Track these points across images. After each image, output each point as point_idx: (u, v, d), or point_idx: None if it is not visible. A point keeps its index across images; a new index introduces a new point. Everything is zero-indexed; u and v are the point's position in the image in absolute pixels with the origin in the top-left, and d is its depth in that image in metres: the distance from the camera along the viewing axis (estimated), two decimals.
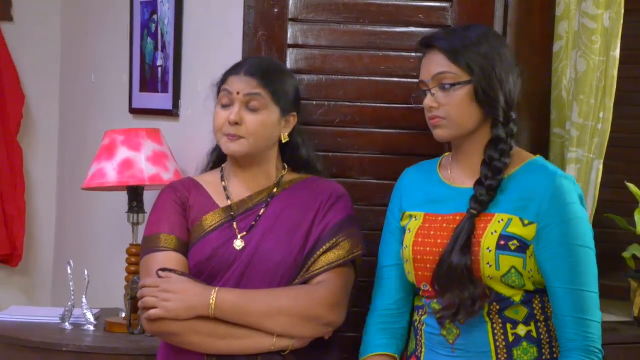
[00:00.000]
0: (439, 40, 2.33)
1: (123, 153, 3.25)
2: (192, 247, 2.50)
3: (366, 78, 2.80)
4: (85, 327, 3.29)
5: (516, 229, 2.25)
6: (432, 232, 2.35)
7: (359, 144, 2.79)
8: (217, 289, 2.40)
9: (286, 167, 2.61)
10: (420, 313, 2.41)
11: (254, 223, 2.50)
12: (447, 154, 2.49)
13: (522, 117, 2.51)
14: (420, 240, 2.35)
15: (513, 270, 2.25)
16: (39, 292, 4.30)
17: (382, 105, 2.80)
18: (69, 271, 3.33)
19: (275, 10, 2.79)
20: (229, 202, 2.54)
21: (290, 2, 2.80)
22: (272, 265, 2.45)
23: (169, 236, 2.49)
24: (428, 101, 2.32)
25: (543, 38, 2.92)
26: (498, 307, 2.27)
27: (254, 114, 2.47)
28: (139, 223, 3.25)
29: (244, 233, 2.50)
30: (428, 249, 2.33)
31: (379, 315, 2.48)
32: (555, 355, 2.30)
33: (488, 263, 2.25)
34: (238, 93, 2.47)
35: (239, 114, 2.47)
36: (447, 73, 2.30)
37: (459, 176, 2.39)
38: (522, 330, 2.28)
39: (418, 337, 2.41)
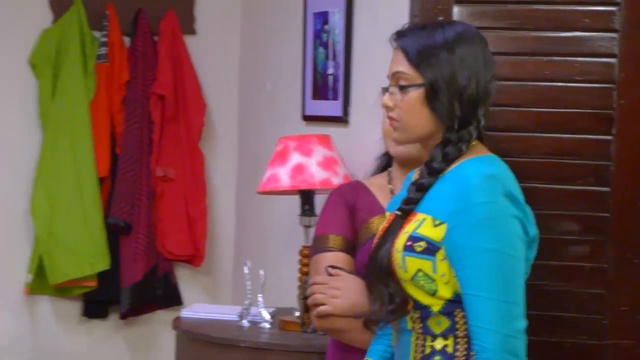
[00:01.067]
0: (403, 38, 2.18)
1: (295, 158, 3.38)
2: (359, 249, 2.56)
3: (530, 83, 2.80)
4: (261, 325, 3.41)
5: (426, 229, 2.08)
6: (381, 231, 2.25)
7: (522, 148, 2.78)
8: None
9: None
10: None
11: None
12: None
13: None
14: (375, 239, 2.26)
15: (420, 274, 2.07)
16: (220, 290, 4.43)
17: (546, 110, 2.79)
18: (246, 271, 3.48)
19: (440, 20, 2.82)
20: None
21: (455, 10, 2.83)
22: None
23: (337, 237, 2.57)
24: (385, 99, 2.19)
25: None
26: (418, 316, 2.10)
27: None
28: (311, 226, 3.34)
29: None
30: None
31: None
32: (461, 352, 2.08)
33: (398, 264, 2.10)
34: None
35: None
36: (403, 73, 2.15)
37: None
38: (439, 343, 2.08)
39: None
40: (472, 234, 2.02)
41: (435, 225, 2.07)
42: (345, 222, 2.59)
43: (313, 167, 3.36)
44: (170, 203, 4.24)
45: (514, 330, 2.00)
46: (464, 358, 2.06)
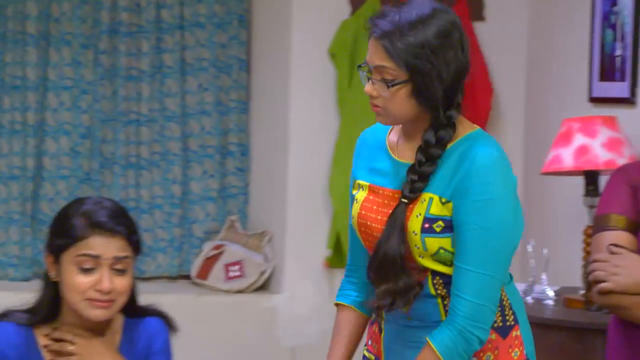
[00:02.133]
0: (377, 29, 2.16)
1: (579, 140, 3.43)
2: None
3: None
4: (545, 302, 3.49)
5: (437, 209, 2.15)
6: (374, 207, 2.24)
7: None
8: None
9: None
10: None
11: None
12: None
13: None
14: (363, 212, 2.25)
15: (442, 250, 2.16)
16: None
17: None
18: (530, 250, 3.58)
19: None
20: None
21: None
22: None
23: (619, 216, 2.58)
24: (368, 88, 2.18)
25: None
26: (442, 281, 2.19)
27: None
28: (595, 206, 3.38)
29: None
30: (368, 222, 2.24)
31: (346, 270, 2.40)
32: (507, 322, 2.23)
33: (415, 245, 2.16)
34: None
35: None
36: (387, 68, 2.15)
37: (404, 150, 2.24)
38: None
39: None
40: (475, 212, 2.10)
41: (443, 204, 2.15)
42: (628, 202, 2.60)
43: (597, 149, 3.40)
44: None
45: (487, 300, 2.13)
46: (499, 306, 2.19)
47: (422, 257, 2.18)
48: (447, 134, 2.16)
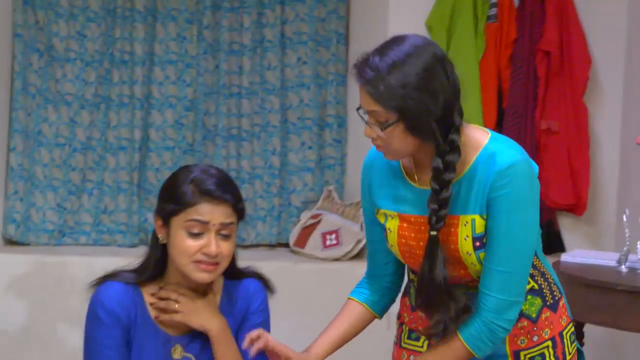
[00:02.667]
0: (359, 77, 2.21)
1: None
2: None
3: None
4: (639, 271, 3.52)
5: (480, 227, 2.26)
6: (412, 234, 2.33)
7: None
8: None
9: None
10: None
11: None
12: None
13: None
14: (403, 241, 2.35)
15: (481, 256, 2.29)
16: (602, 238, 4.49)
17: None
18: (624, 219, 3.59)
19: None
20: None
21: None
22: None
23: None
24: (367, 132, 2.25)
25: None
26: None
27: None
28: None
29: None
30: (412, 250, 2.34)
31: (366, 275, 2.53)
32: (556, 297, 2.39)
33: (472, 263, 2.28)
34: None
35: None
36: (377, 112, 2.20)
37: (422, 177, 2.32)
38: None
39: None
40: (505, 218, 2.22)
41: (484, 219, 2.25)
42: None
43: None
44: (554, 155, 4.35)
45: (511, 295, 2.27)
46: (548, 287, 2.38)
47: (477, 266, 2.31)
48: (454, 158, 2.22)
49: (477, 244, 2.27)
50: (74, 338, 4.26)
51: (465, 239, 2.27)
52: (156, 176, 4.80)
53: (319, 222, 4.65)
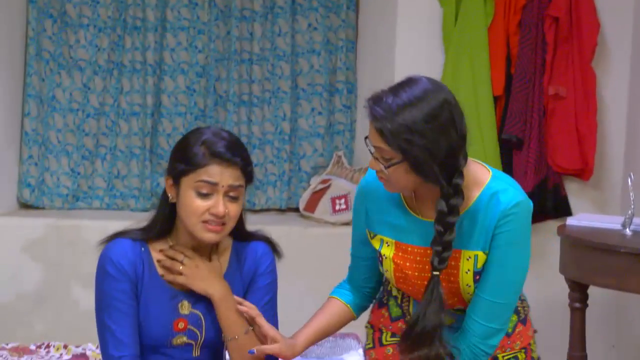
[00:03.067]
0: (371, 114, 2.29)
1: None
2: None
3: None
4: None
5: (482, 262, 2.36)
6: (407, 263, 2.42)
7: None
8: None
9: None
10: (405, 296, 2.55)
11: None
12: None
13: None
14: (399, 268, 2.43)
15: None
16: (608, 203, 4.52)
17: None
18: (629, 183, 3.63)
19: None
20: None
21: None
22: None
23: None
24: (371, 164, 2.34)
25: None
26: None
27: None
28: None
29: None
30: (409, 280, 2.44)
31: (347, 283, 2.63)
32: (525, 310, 2.55)
33: (468, 293, 2.39)
34: None
35: None
36: (383, 149, 2.29)
37: (422, 209, 2.40)
38: None
39: (404, 306, 2.54)
40: (503, 252, 2.33)
41: (486, 255, 2.36)
42: None
43: None
44: (561, 120, 4.37)
45: (497, 323, 2.38)
46: (521, 305, 2.53)
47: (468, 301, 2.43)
48: (457, 202, 2.30)
49: (477, 277, 2.38)
50: (88, 299, 4.32)
51: (466, 273, 2.38)
52: (168, 142, 4.86)
53: (328, 187, 4.69)
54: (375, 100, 2.30)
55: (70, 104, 4.79)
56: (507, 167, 4.41)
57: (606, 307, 4.52)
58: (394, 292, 2.58)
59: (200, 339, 2.52)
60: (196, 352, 2.54)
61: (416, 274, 2.43)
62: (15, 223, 4.50)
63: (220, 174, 2.42)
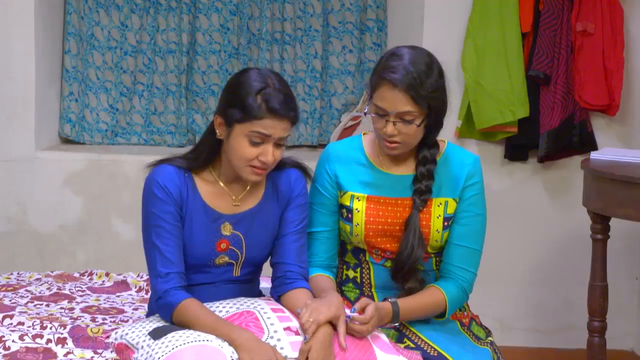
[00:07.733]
0: (399, 82, 2.58)
1: None
2: None
3: None
4: None
5: (451, 208, 2.71)
6: (380, 213, 2.67)
7: None
8: None
9: None
10: (364, 267, 2.75)
11: None
12: (366, 132, 2.76)
13: None
14: (372, 219, 2.72)
15: (445, 237, 2.74)
16: (634, 138, 4.55)
17: None
18: None
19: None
20: None
21: None
22: None
23: None
24: (389, 130, 2.62)
25: None
26: (437, 259, 2.77)
27: None
28: None
29: None
30: (380, 227, 2.72)
31: (315, 266, 2.76)
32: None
33: (436, 240, 2.71)
34: None
35: None
36: (411, 112, 2.61)
37: (391, 165, 2.75)
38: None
39: (365, 285, 2.75)
40: (471, 203, 2.71)
41: (456, 202, 2.71)
42: None
43: None
44: (588, 56, 4.39)
45: (475, 269, 2.77)
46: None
47: (434, 247, 2.75)
48: (435, 152, 2.73)
49: (446, 223, 2.72)
50: (127, 231, 4.50)
51: (437, 218, 2.71)
52: (203, 79, 4.96)
53: (358, 123, 4.75)
54: (393, 70, 2.60)
55: (109, 42, 4.91)
56: (534, 103, 4.46)
57: (629, 240, 4.60)
58: (350, 275, 2.80)
59: (241, 258, 2.67)
60: (236, 272, 2.70)
61: (389, 220, 2.71)
62: (57, 157, 4.66)
63: (274, 127, 2.56)
